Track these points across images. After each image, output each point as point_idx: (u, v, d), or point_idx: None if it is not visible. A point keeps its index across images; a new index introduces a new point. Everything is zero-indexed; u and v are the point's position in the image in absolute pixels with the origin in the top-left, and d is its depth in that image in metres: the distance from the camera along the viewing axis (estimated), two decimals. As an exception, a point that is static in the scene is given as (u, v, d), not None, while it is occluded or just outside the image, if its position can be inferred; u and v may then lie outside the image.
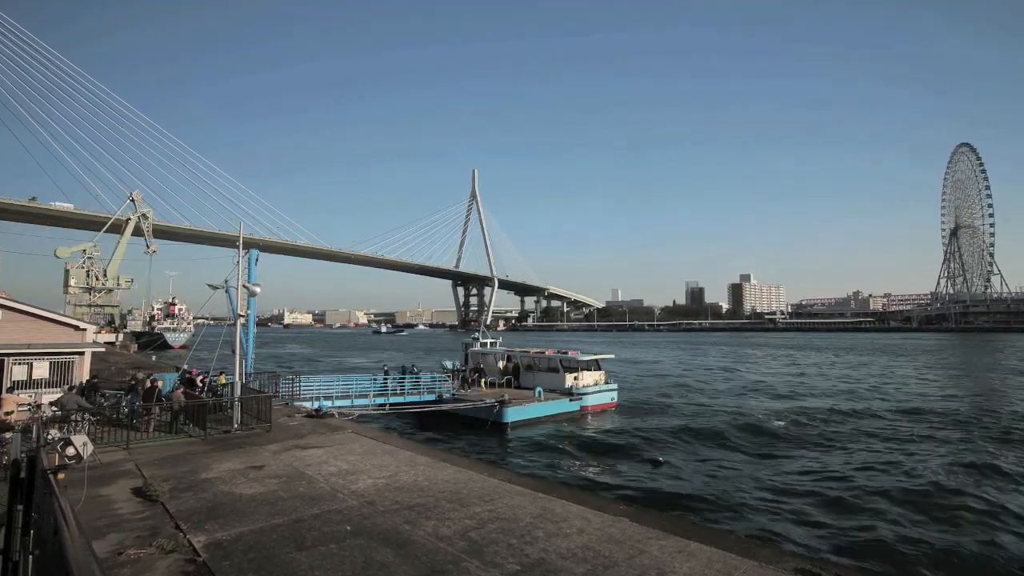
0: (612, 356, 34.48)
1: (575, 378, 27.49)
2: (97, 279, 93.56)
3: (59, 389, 17.65)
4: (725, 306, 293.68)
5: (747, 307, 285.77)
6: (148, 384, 16.70)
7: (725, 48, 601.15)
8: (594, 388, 27.86)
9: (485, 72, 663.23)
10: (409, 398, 25.14)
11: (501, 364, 31.20)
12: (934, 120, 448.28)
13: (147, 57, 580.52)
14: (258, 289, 19.19)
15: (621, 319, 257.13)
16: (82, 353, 18.94)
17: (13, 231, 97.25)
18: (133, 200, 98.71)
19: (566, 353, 29.57)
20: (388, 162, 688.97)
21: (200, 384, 19.61)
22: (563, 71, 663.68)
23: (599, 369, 29.35)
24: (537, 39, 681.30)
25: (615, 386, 29.49)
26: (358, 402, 23.62)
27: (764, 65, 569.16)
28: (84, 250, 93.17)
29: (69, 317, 21.50)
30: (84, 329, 19.89)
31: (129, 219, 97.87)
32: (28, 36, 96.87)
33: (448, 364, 33.90)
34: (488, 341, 34.29)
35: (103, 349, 32.20)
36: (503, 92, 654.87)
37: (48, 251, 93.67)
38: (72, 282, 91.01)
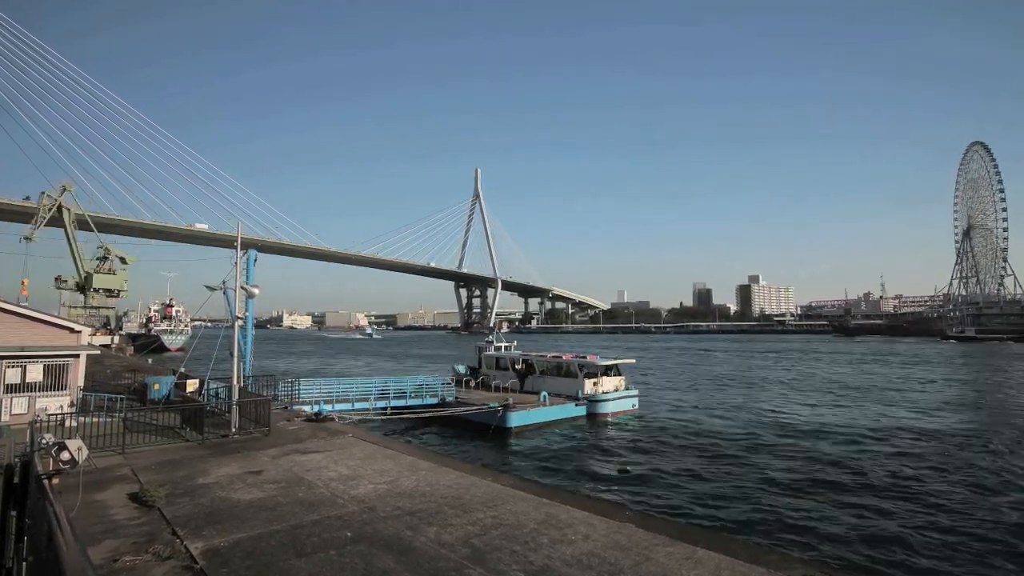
0: (633, 361, 33.32)
1: (595, 384, 26.72)
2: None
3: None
4: (733, 307, 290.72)
5: (755, 309, 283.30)
6: None
7: (734, 46, 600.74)
8: (614, 394, 27.07)
9: (489, 70, 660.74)
10: (411, 402, 24.96)
11: (518, 367, 30.80)
12: (946, 119, 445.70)
13: (146, 55, 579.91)
14: (256, 290, 19.08)
15: (627, 321, 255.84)
16: (77, 356, 18.74)
17: (9, 231, 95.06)
18: (67, 190, 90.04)
19: (584, 357, 28.91)
20: (389, 161, 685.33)
21: None
22: (568, 69, 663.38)
23: (619, 374, 28.57)
24: (544, 37, 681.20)
25: (636, 392, 28.60)
26: (359, 406, 23.45)
27: (772, 63, 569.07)
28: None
29: (64, 319, 21.31)
30: (79, 331, 19.70)
31: (65, 208, 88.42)
32: (23, 33, 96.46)
33: (460, 368, 33.63)
34: (503, 344, 33.98)
35: (98, 351, 31.95)
36: (507, 90, 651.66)
37: (45, 251, 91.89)
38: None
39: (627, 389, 28.18)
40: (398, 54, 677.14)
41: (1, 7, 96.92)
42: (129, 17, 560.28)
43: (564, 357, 29.52)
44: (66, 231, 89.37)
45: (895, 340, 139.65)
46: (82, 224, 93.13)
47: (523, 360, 31.11)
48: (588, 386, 26.57)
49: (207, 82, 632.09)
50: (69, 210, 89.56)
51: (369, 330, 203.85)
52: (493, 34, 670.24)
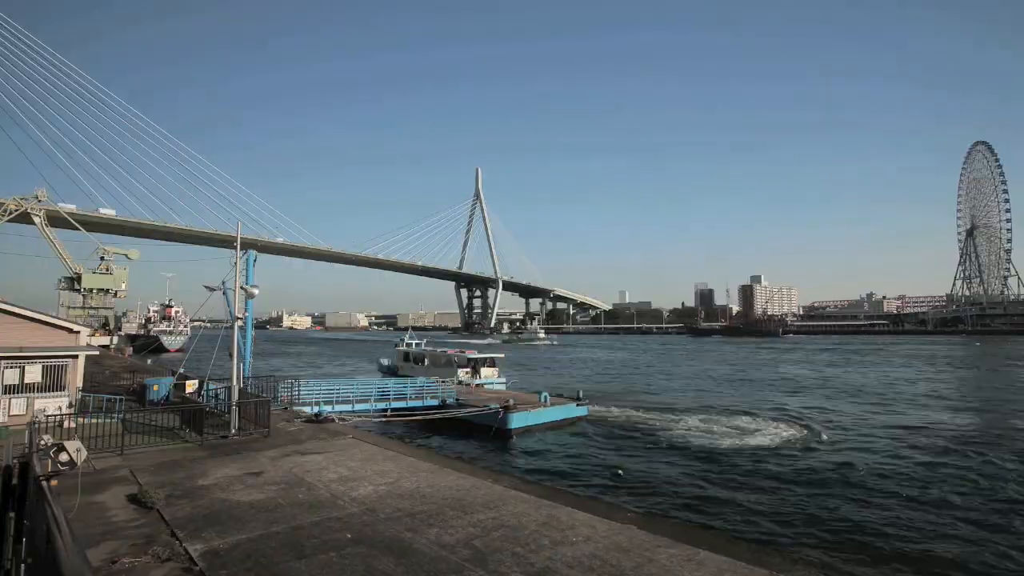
0: (501, 355, 40.71)
1: (467, 372, 34.79)
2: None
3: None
4: (735, 308, 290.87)
5: (757, 309, 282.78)
6: None
7: (737, 50, 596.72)
8: (487, 381, 34.60)
9: (492, 72, 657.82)
10: (411, 403, 24.91)
11: (423, 361, 39.90)
12: (948, 120, 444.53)
13: (151, 58, 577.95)
14: (256, 291, 19.04)
15: (628, 321, 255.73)
16: (76, 356, 18.67)
17: (10, 231, 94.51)
18: (39, 199, 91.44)
19: (463, 352, 38.22)
20: (390, 161, 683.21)
21: None
22: (570, 72, 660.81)
23: (494, 366, 36.90)
24: (547, 41, 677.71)
25: (504, 380, 35.97)
26: (359, 407, 23.38)
27: (775, 67, 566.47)
28: None
29: (62, 319, 21.23)
30: (78, 332, 19.62)
31: (33, 214, 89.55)
32: (24, 34, 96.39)
33: (385, 362, 44.84)
34: (413, 343, 44.33)
35: (97, 352, 31.84)
36: (509, 92, 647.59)
37: (42, 251, 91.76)
38: None
39: (498, 379, 35.59)
40: (401, 57, 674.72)
41: (4, 8, 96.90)
42: (131, 21, 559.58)
43: (448, 352, 39.18)
44: (41, 232, 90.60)
45: (731, 340, 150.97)
46: (69, 224, 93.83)
47: (422, 354, 40.84)
48: (461, 374, 34.08)
49: (210, 85, 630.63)
50: (39, 215, 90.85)
51: (507, 330, 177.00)
52: (496, 37, 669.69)
